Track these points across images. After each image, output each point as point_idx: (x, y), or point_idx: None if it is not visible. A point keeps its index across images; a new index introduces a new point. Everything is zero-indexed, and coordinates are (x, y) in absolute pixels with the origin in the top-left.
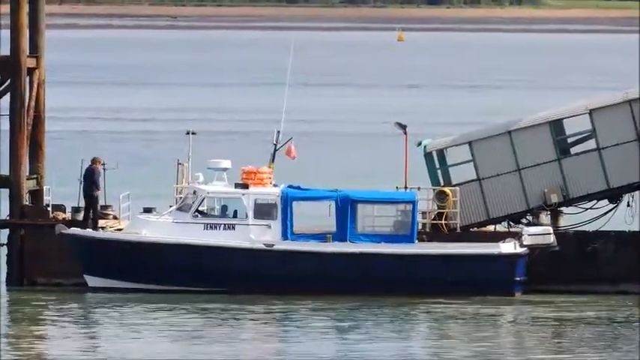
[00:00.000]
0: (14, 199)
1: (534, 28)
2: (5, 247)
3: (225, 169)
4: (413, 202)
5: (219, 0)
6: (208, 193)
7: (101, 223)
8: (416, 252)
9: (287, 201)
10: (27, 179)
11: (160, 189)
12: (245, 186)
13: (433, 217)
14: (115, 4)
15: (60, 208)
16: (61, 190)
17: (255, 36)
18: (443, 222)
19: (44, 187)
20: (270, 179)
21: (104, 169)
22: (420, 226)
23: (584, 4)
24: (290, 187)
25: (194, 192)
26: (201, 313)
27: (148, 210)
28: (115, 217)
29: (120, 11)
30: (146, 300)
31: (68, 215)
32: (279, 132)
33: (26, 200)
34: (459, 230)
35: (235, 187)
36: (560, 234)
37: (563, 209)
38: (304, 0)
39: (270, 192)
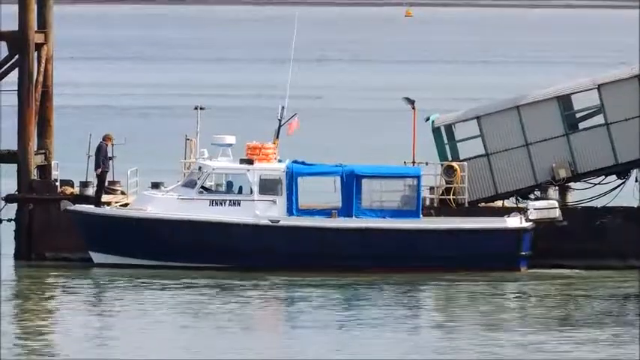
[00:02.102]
0: (22, 174)
1: (542, 4)
2: (14, 221)
3: (229, 145)
4: (418, 177)
5: None
6: (214, 169)
7: (109, 198)
8: (421, 227)
9: (292, 176)
10: (35, 154)
11: (168, 164)
12: (250, 162)
13: (441, 192)
14: None
15: (68, 183)
16: (71, 166)
17: (264, 12)
18: (451, 197)
19: (52, 162)
20: (274, 155)
21: (112, 145)
22: (428, 202)
23: None
24: (295, 162)
25: (199, 168)
26: (207, 289)
27: (155, 185)
28: (122, 193)
29: None
30: (151, 276)
31: (76, 190)
32: (283, 108)
33: (34, 175)
34: (467, 205)
35: (240, 163)
36: (568, 209)
37: (572, 184)
38: None
39: (275, 168)
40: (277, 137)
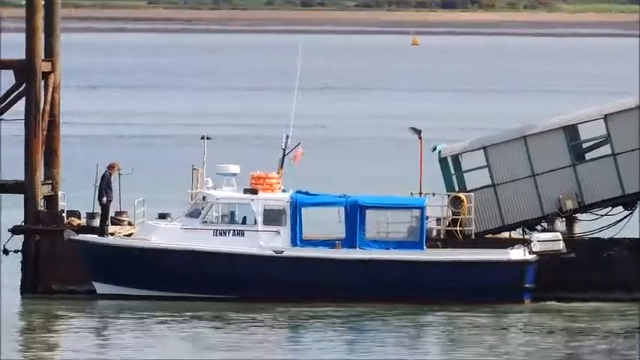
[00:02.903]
0: (29, 204)
1: (549, 32)
2: (20, 252)
3: (234, 175)
4: (422, 208)
5: (234, 3)
6: (218, 198)
7: (115, 229)
8: (425, 258)
9: (296, 207)
10: (42, 184)
11: (176, 194)
12: (254, 191)
13: (448, 223)
14: (130, 8)
15: (75, 214)
16: (78, 195)
17: (269, 39)
18: (457, 228)
19: (59, 193)
20: (279, 185)
21: (119, 174)
22: (434, 233)
23: (598, 8)
24: (299, 192)
25: (203, 198)
26: (211, 320)
27: (162, 216)
28: (129, 223)
29: (135, 15)
30: (155, 307)
31: (83, 221)
32: (287, 137)
33: (41, 206)
34: (473, 237)
35: (244, 193)
36: (575, 241)
37: (578, 216)
38: (319, 3)
39: (279, 198)
40: (281, 167)
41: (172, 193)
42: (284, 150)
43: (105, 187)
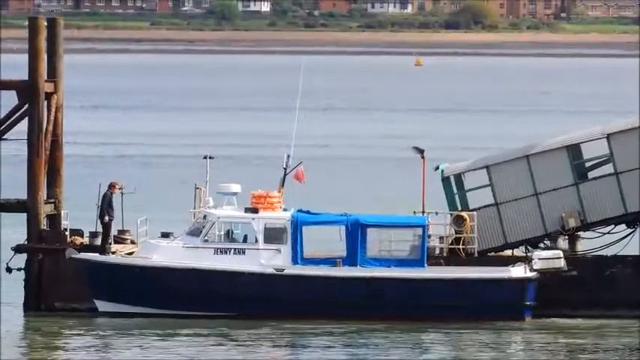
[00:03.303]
0: (32, 223)
1: (552, 53)
2: (23, 271)
3: (235, 194)
4: (423, 227)
5: (237, 24)
6: (219, 217)
7: (118, 248)
8: (425, 276)
9: (297, 225)
10: (45, 203)
11: (179, 214)
12: (255, 210)
13: (451, 241)
14: (132, 29)
15: (78, 232)
16: (81, 215)
17: (272, 60)
18: (460, 247)
19: (62, 212)
20: (280, 204)
21: (122, 194)
22: (437, 251)
23: (601, 29)
24: (299, 211)
25: (204, 217)
26: (211, 338)
27: (165, 235)
28: (132, 242)
29: (137, 36)
30: (156, 325)
31: (86, 240)
32: (289, 156)
33: (44, 225)
34: (476, 255)
35: (245, 212)
36: (577, 258)
37: (581, 234)
38: (322, 24)
39: (280, 216)
40: (282, 186)
41: (175, 212)
42: (285, 169)
43: (106, 207)
